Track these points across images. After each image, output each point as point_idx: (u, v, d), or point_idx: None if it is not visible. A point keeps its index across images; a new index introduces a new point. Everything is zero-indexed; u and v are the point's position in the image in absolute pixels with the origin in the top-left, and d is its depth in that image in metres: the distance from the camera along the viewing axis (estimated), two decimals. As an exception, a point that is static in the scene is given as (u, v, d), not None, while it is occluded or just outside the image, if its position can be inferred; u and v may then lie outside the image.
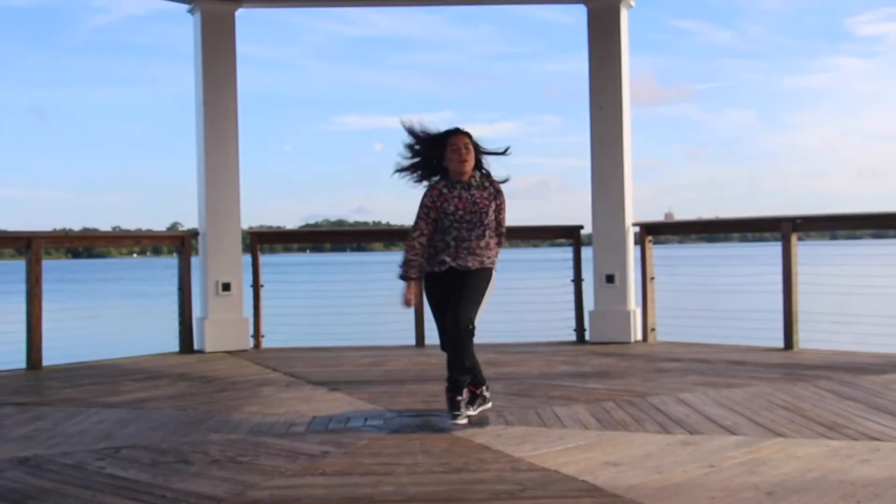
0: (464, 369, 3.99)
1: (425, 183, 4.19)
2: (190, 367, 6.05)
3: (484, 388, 4.20)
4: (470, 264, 4.07)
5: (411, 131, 4.19)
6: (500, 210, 4.19)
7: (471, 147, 4.10)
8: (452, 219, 4.05)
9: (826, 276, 6.47)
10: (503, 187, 4.22)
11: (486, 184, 4.14)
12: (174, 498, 2.85)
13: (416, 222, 4.10)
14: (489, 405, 4.23)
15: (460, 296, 4.00)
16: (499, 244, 4.22)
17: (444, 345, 4.10)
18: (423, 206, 4.10)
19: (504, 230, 4.27)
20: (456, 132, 4.14)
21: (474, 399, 4.13)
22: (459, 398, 3.98)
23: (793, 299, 6.33)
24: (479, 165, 4.18)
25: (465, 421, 3.93)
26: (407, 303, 4.11)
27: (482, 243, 4.09)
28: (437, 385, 4.40)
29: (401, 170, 4.24)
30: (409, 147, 4.21)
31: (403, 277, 4.08)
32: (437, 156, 4.13)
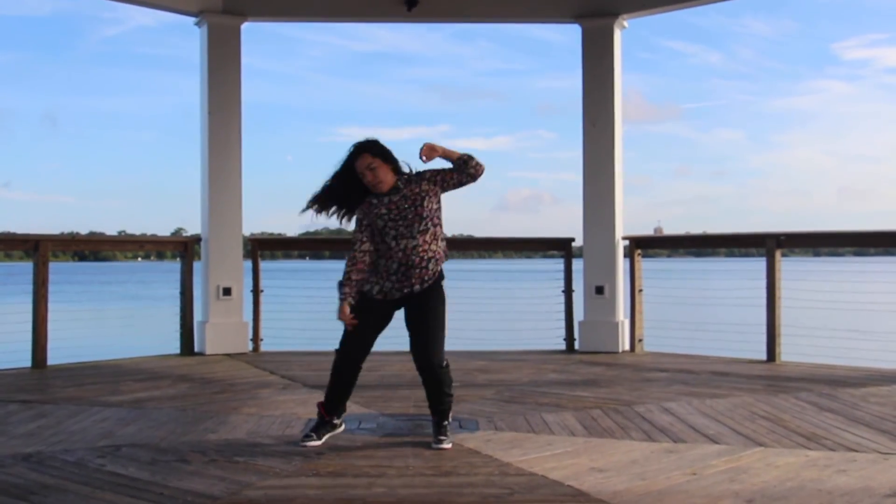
0: (448, 398, 3.78)
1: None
2: (190, 369, 6.10)
3: (335, 417, 3.84)
4: (415, 284, 3.72)
5: (322, 191, 3.82)
6: (440, 176, 3.75)
7: (376, 164, 3.71)
8: (387, 218, 3.69)
9: (808, 291, 6.49)
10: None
11: (414, 178, 3.77)
12: (171, 496, 2.89)
13: (353, 235, 3.79)
14: (339, 430, 3.88)
15: (425, 335, 3.71)
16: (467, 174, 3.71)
17: (342, 366, 3.91)
18: (356, 222, 3.79)
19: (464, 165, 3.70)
20: (355, 155, 3.75)
21: (324, 425, 3.79)
22: (446, 423, 3.75)
23: (776, 313, 6.39)
24: (401, 170, 3.80)
25: (449, 445, 3.66)
26: (343, 320, 3.83)
27: (427, 238, 3.70)
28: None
29: (316, 202, 3.82)
30: (329, 189, 3.82)
31: (340, 295, 3.83)
32: (356, 187, 3.77)
